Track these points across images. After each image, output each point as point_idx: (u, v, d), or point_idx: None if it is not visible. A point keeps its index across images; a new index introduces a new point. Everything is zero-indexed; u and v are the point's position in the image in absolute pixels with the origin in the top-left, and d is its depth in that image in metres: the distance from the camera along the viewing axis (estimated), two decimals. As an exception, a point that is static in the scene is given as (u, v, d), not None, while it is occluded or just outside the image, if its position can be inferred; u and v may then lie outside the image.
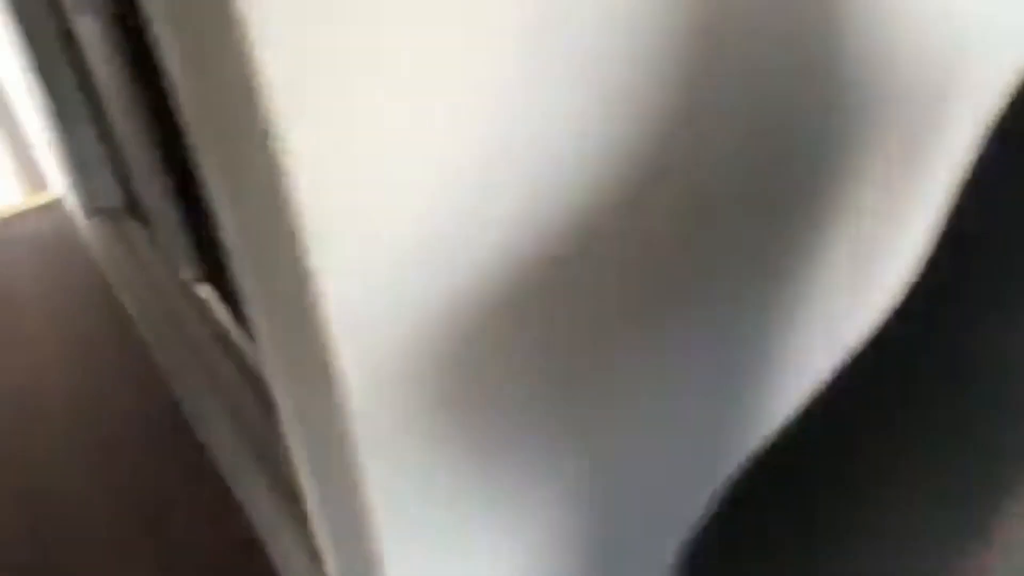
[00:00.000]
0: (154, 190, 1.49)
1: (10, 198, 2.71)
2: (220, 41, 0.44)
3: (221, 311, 1.48)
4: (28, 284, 2.35)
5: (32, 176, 2.80)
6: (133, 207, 1.81)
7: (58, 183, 2.64)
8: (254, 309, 0.70)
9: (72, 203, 2.45)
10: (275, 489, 1.21)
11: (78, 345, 2.14)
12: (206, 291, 1.53)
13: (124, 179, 1.79)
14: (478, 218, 0.52)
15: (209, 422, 1.58)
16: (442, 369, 0.60)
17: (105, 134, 1.71)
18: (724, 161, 0.61)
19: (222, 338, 1.43)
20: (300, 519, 1.14)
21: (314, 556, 1.08)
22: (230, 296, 1.47)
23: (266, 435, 1.28)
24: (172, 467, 1.79)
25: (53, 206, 2.65)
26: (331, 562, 0.91)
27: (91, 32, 1.34)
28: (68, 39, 1.60)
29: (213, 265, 1.51)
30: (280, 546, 1.28)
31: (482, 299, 0.58)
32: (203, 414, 1.65)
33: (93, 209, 1.79)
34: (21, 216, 2.65)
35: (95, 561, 1.63)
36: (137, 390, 1.98)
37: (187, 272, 1.54)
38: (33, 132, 2.69)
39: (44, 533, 1.68)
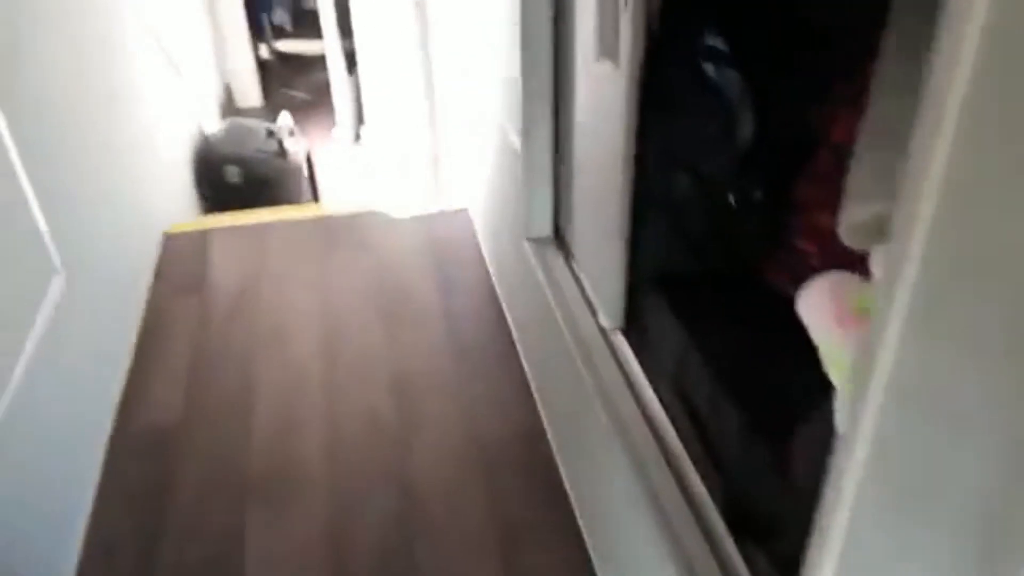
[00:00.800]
0: (600, 233, 1.55)
1: (422, 204, 3.02)
2: None
3: (633, 365, 1.49)
4: (426, 277, 2.59)
5: (441, 188, 3.10)
6: (558, 236, 1.90)
7: (466, 197, 2.90)
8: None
9: (482, 219, 2.65)
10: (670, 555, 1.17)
11: (461, 343, 2.30)
12: (620, 340, 1.55)
13: (557, 209, 1.89)
14: None
15: (592, 464, 1.59)
16: None
17: (558, 162, 1.82)
18: None
19: (635, 391, 1.44)
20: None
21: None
22: (646, 354, 1.48)
23: (665, 494, 1.25)
24: (529, 491, 1.84)
25: (459, 215, 2.90)
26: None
27: (603, 77, 1.42)
28: (557, 77, 1.72)
29: (633, 318, 1.53)
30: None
31: None
32: (583, 451, 1.67)
33: (523, 235, 1.92)
34: (430, 218, 2.94)
35: (447, 558, 1.71)
36: (508, 405, 2.08)
37: (607, 320, 1.57)
38: (446, 150, 2.99)
39: (407, 516, 1.80)
